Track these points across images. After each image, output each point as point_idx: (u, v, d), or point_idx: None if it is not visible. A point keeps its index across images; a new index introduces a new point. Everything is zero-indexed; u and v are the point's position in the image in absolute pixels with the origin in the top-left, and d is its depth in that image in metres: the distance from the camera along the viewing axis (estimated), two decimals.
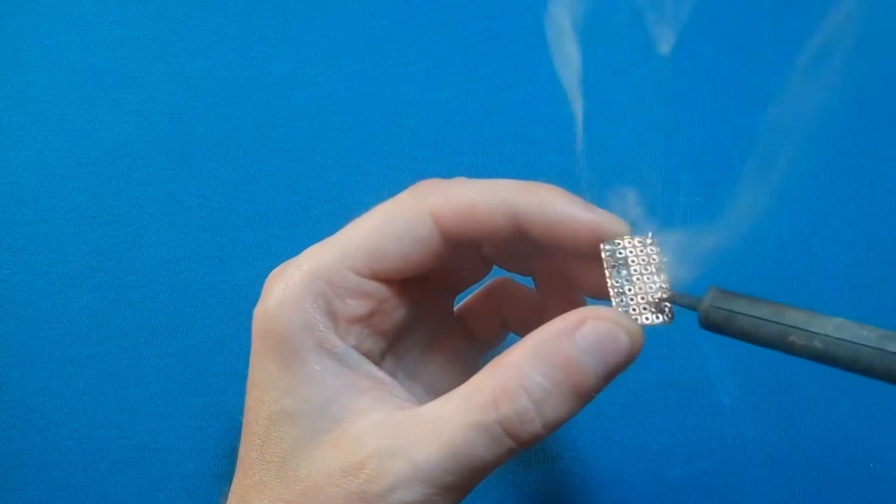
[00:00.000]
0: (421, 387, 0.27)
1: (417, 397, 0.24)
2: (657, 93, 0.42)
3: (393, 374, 0.25)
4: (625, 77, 0.43)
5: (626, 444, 0.37)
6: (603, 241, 0.23)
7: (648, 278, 0.23)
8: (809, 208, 0.40)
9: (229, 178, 0.42)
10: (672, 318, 0.23)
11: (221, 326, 0.39)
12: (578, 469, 0.37)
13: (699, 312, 0.22)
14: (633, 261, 0.23)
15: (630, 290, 0.23)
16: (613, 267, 0.23)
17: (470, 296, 0.30)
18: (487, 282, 0.30)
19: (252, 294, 0.23)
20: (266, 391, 0.23)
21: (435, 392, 0.26)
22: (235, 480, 0.24)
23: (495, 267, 0.28)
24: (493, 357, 0.22)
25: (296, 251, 0.24)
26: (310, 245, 0.24)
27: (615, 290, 0.23)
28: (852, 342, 0.19)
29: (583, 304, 0.27)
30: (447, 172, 0.24)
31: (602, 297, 0.24)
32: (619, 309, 0.23)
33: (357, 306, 0.23)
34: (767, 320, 0.20)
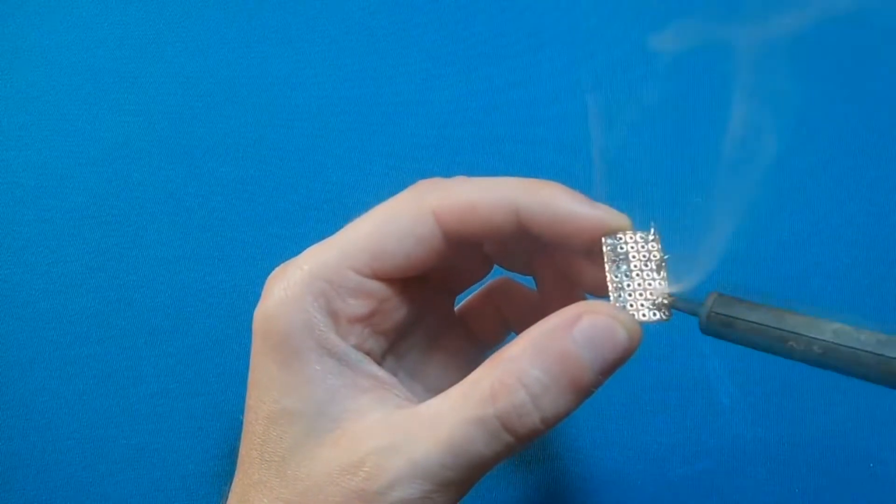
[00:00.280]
0: (421, 386, 0.27)
1: (418, 397, 0.24)
2: (657, 92, 0.42)
3: (394, 374, 0.25)
4: (625, 76, 0.43)
5: (626, 444, 0.37)
6: (605, 235, 0.23)
7: (648, 275, 0.23)
8: (809, 208, 0.40)
9: (229, 178, 0.42)
10: (670, 316, 0.23)
11: (221, 326, 0.39)
12: (578, 469, 0.37)
13: (699, 318, 0.22)
14: (633, 256, 0.23)
15: (629, 285, 0.23)
16: (614, 262, 0.23)
17: (470, 296, 0.30)
18: (488, 281, 0.30)
19: (252, 294, 0.23)
20: (266, 391, 0.23)
21: (435, 391, 0.25)
22: (235, 480, 0.24)
23: (496, 266, 0.28)
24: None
25: (296, 251, 0.24)
26: (310, 245, 0.24)
27: (614, 284, 0.23)
28: (851, 347, 0.19)
29: None
30: (447, 172, 0.24)
31: (603, 294, 0.24)
32: (617, 304, 0.23)
33: (358, 306, 0.23)
34: (767, 326, 0.20)
